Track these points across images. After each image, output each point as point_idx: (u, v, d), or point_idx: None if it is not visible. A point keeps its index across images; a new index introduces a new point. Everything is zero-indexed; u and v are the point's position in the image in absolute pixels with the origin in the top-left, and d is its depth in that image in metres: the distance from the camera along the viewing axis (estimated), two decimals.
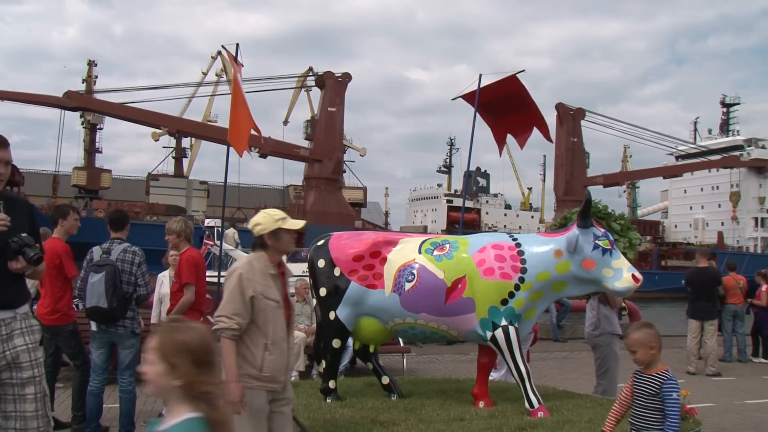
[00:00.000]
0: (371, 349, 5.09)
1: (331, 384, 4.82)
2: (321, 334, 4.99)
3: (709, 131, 76.78)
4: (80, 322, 6.67)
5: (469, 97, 11.15)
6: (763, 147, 67.43)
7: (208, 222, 41.18)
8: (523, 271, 4.47)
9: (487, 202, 77.59)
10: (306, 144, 50.12)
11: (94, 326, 5.70)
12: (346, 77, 46.92)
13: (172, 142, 60.46)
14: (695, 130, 79.27)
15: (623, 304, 6.64)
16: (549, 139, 11.76)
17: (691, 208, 67.57)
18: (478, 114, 11.09)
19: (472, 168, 45.19)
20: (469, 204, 59.49)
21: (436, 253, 4.66)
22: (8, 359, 3.13)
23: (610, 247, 4.39)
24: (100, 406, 5.77)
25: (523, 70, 10.78)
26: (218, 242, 27.62)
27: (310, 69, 57.13)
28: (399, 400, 4.77)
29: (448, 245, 4.70)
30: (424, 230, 60.74)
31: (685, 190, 69.73)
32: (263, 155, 44.63)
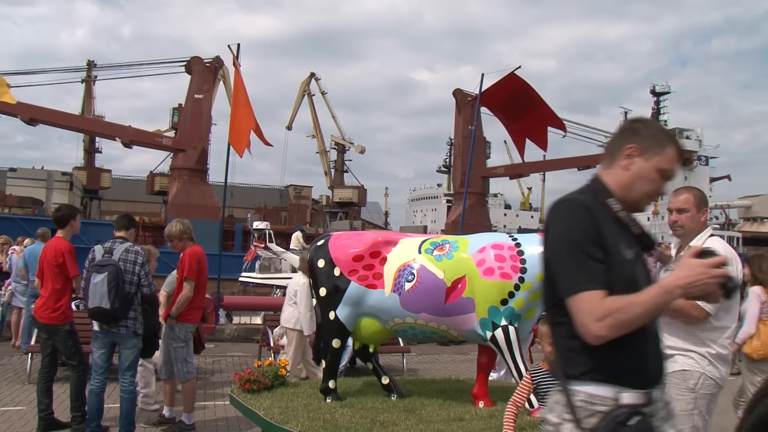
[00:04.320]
0: (371, 349, 5.10)
1: (331, 384, 4.83)
2: (321, 334, 5.00)
3: None
4: (81, 322, 6.69)
5: (487, 98, 11.15)
6: (688, 137, 64.93)
7: (257, 225, 40.97)
8: (523, 271, 4.47)
9: (486, 202, 77.57)
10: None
11: (96, 326, 5.72)
12: (217, 62, 44.64)
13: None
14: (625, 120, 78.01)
15: None
16: (563, 128, 11.60)
17: None
18: (495, 116, 11.09)
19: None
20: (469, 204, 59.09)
21: (435, 253, 4.66)
22: None
23: None
24: (101, 406, 5.79)
25: (519, 67, 10.76)
26: (270, 245, 27.39)
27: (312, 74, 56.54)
28: (399, 400, 4.77)
29: (447, 245, 4.70)
30: (424, 230, 60.67)
31: None
32: (127, 145, 42.91)
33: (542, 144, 11.35)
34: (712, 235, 3.53)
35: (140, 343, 5.87)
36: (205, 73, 44.14)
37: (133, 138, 42.99)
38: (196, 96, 43.63)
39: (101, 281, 5.44)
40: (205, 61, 44.24)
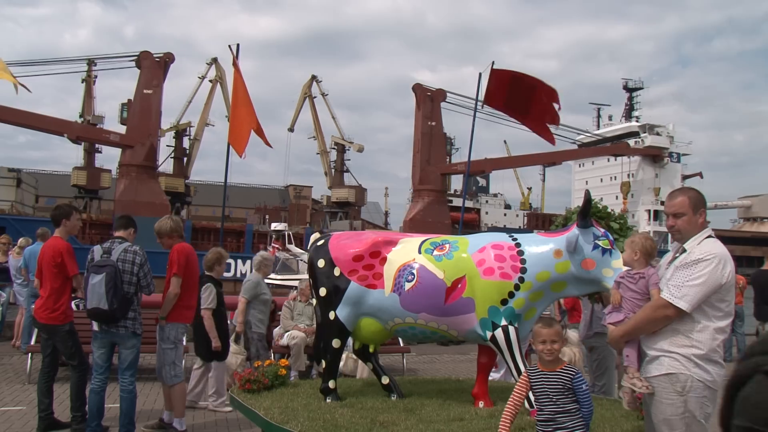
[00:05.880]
0: (371, 349, 5.09)
1: (331, 384, 4.83)
2: (321, 334, 5.00)
3: (610, 118, 74.28)
4: (81, 322, 6.69)
5: (490, 99, 10.95)
6: (658, 134, 63.84)
7: (275, 226, 40.46)
8: (523, 271, 4.46)
9: (486, 202, 77.48)
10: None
11: (95, 326, 5.71)
12: (167, 58, 43.72)
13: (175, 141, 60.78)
14: (598, 117, 76.91)
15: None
16: (557, 101, 11.03)
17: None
18: (509, 115, 10.86)
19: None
20: (468, 204, 58.70)
21: (435, 253, 4.66)
22: None
23: (609, 247, 4.39)
24: (102, 405, 5.79)
25: (493, 63, 10.61)
26: (288, 246, 27.26)
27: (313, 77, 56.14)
28: (399, 400, 4.77)
29: (447, 245, 4.70)
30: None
31: (587, 181, 67.02)
32: (75, 141, 42.27)
33: (556, 120, 10.90)
34: (709, 236, 3.45)
35: (139, 343, 5.86)
36: (154, 68, 43.01)
37: (80, 134, 42.26)
38: (145, 91, 42.54)
39: (99, 282, 5.43)
40: (155, 55, 43.20)
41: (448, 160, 58.70)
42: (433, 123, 48.88)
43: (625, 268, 3.91)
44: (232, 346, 7.45)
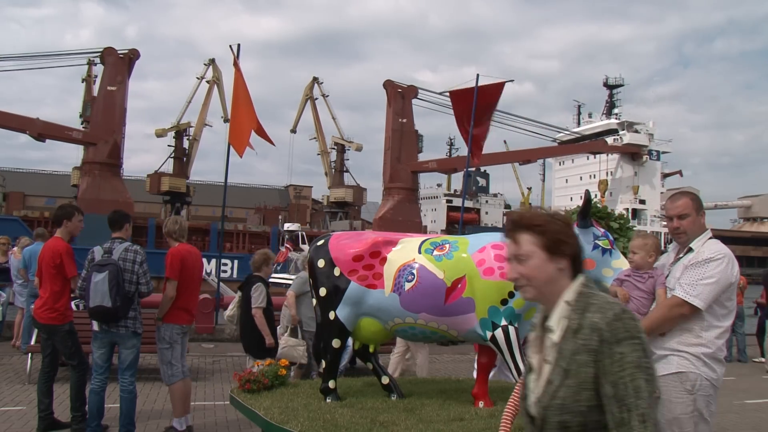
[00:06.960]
0: (371, 349, 5.09)
1: (331, 384, 4.83)
2: (321, 334, 5.00)
3: (590, 115, 73.81)
4: (81, 322, 6.69)
5: (456, 96, 11.36)
6: (637, 131, 63.39)
7: (288, 226, 40.11)
8: None
9: (486, 201, 77.55)
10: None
11: (96, 326, 5.71)
12: (132, 54, 43.32)
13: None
14: (578, 114, 76.41)
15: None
16: (478, 158, 12.21)
17: (571, 198, 61.73)
18: (457, 116, 11.41)
19: (472, 168, 44.14)
20: (468, 204, 58.56)
21: (435, 253, 4.66)
22: None
23: (609, 247, 4.39)
24: (102, 405, 5.80)
25: (512, 80, 11.11)
26: (302, 246, 27.41)
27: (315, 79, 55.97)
28: (399, 400, 4.77)
29: (447, 245, 4.70)
30: (424, 230, 60.58)
31: (567, 180, 66.50)
32: (38, 138, 41.84)
33: (477, 155, 11.84)
34: (710, 237, 3.50)
35: (140, 342, 5.86)
36: (118, 64, 42.58)
37: (42, 131, 41.74)
38: (108, 88, 42.15)
39: (102, 280, 5.44)
40: (119, 52, 42.75)
41: (447, 155, 58.21)
42: (404, 120, 48.27)
43: (626, 268, 3.91)
44: (290, 339, 7.43)
